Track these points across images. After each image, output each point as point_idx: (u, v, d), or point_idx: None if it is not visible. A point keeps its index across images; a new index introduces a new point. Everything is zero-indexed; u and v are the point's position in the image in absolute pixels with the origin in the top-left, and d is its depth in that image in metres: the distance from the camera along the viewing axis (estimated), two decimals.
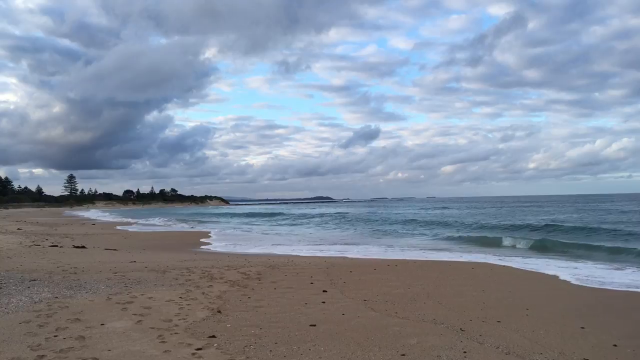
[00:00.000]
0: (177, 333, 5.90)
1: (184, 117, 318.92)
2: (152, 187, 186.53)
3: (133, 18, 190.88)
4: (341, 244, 21.64)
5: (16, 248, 16.58)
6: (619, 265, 13.76)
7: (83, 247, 17.85)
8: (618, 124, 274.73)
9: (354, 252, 17.60)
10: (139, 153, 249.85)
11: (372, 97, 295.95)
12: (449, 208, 70.08)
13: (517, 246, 20.13)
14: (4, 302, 7.23)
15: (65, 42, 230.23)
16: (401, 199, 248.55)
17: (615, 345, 5.80)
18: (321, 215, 53.37)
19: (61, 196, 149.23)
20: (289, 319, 6.71)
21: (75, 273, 10.34)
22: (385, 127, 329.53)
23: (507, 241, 21.26)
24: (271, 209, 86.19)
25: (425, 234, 27.29)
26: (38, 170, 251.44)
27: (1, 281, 8.89)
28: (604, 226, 26.50)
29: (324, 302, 7.91)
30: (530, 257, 15.94)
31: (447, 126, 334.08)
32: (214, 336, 5.79)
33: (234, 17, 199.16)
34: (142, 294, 8.20)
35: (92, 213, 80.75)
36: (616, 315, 7.54)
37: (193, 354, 5.16)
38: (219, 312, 7.04)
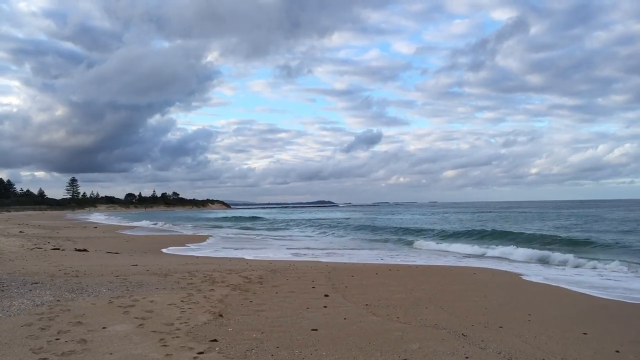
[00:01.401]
0: (178, 337, 5.90)
1: (186, 121, 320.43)
2: (154, 191, 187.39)
3: (135, 21, 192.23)
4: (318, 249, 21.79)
5: (18, 251, 16.62)
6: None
7: (85, 250, 17.88)
8: (620, 129, 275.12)
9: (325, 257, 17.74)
10: (141, 156, 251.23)
11: (374, 102, 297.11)
12: (425, 215, 70.44)
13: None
14: (6, 305, 7.24)
15: (69, 45, 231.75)
16: (403, 204, 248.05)
17: (617, 352, 5.78)
18: (308, 220, 54.16)
19: (63, 199, 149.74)
20: (290, 323, 6.71)
21: (77, 276, 10.35)
22: (388, 131, 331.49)
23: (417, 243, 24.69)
24: (267, 213, 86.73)
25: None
26: (40, 173, 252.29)
27: (3, 284, 8.90)
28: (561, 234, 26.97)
29: (325, 307, 7.90)
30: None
31: (449, 131, 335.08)
32: (215, 340, 5.79)
33: (236, 20, 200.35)
34: (143, 298, 8.20)
35: (94, 216, 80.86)
36: (618, 321, 7.52)
37: (195, 357, 5.16)
38: (221, 316, 7.04)
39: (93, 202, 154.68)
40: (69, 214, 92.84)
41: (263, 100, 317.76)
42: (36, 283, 9.17)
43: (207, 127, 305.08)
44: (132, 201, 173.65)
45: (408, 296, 9.11)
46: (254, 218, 63.42)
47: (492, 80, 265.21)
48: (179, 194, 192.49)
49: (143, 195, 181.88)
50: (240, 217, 68.34)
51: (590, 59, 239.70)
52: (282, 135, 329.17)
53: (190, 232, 35.40)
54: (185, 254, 18.10)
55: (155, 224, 47.80)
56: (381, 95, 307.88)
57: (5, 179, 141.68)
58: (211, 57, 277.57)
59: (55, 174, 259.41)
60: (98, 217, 78.00)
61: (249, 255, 18.10)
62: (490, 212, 72.07)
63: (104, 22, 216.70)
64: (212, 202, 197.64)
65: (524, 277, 12.32)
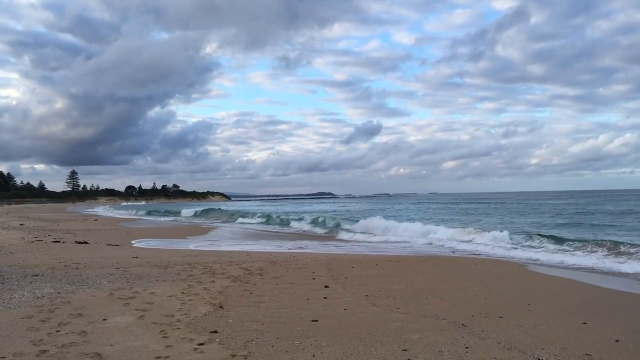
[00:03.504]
0: (179, 328, 5.91)
1: (186, 113, 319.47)
2: (154, 183, 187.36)
3: (132, 12, 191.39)
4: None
5: (18, 243, 16.64)
6: None
7: (85, 242, 17.90)
8: (621, 119, 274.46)
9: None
10: (141, 149, 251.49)
11: (375, 93, 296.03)
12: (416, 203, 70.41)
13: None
14: (7, 298, 7.25)
15: (67, 37, 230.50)
16: (403, 195, 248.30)
17: (617, 341, 5.79)
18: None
19: (63, 192, 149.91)
20: (290, 314, 6.72)
21: (78, 268, 10.36)
22: (388, 122, 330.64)
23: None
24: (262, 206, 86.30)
25: None
26: (40, 166, 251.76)
27: (4, 276, 8.91)
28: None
29: (325, 298, 7.91)
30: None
31: (449, 122, 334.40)
32: (215, 331, 5.80)
33: (233, 11, 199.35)
34: (144, 289, 8.21)
35: (95, 209, 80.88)
36: (618, 310, 7.53)
37: (195, 349, 5.17)
38: (221, 307, 7.05)
39: (93, 194, 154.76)
40: (69, 207, 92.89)
41: (263, 92, 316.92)
42: (36, 275, 9.18)
43: (207, 119, 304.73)
44: (133, 193, 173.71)
45: (408, 287, 9.12)
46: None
47: (492, 70, 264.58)
48: (179, 186, 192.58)
49: (143, 187, 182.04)
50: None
51: (591, 48, 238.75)
52: (283, 126, 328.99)
53: (190, 225, 35.44)
54: (186, 247, 18.12)
55: (151, 216, 47.81)
56: (381, 86, 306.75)
57: (5, 171, 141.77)
58: (210, 48, 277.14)
59: (55, 166, 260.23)
60: (98, 209, 77.97)
61: (239, 247, 18.13)
62: (460, 203, 72.51)
63: (102, 14, 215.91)
64: (213, 194, 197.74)
65: (526, 268, 12.34)
